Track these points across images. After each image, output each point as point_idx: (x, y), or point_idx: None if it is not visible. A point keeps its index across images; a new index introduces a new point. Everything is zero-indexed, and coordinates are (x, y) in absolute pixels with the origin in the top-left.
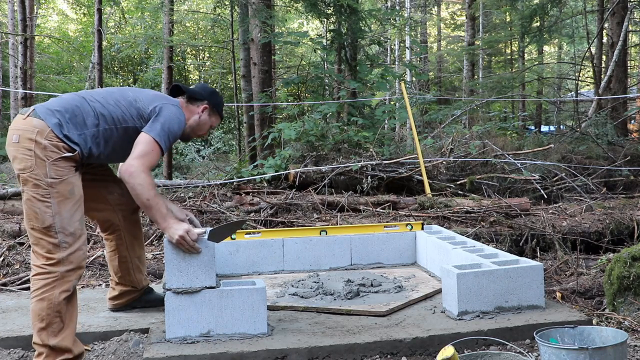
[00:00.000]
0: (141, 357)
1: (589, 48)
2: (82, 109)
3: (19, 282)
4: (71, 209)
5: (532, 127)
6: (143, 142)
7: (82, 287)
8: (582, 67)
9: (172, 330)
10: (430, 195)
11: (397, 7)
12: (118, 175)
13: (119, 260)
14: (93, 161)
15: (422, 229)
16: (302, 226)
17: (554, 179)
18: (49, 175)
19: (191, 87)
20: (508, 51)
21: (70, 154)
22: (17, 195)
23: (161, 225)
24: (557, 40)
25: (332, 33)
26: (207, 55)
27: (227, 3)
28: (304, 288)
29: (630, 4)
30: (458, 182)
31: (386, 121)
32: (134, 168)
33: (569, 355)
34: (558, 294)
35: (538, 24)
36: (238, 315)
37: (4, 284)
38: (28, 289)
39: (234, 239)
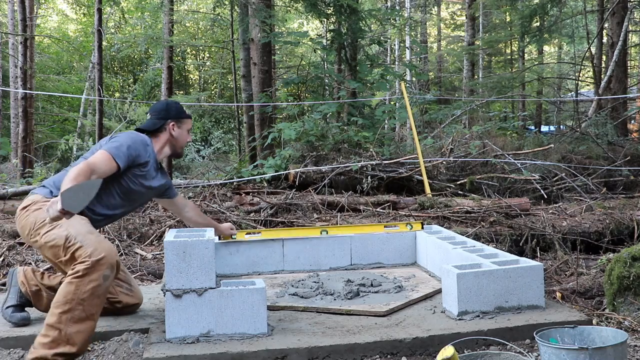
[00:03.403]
0: (141, 357)
1: (589, 48)
2: None
3: None
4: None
5: (532, 127)
6: (94, 154)
7: None
8: (582, 67)
9: (172, 330)
10: (430, 195)
11: (397, 7)
12: None
13: None
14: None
15: (422, 229)
16: (302, 226)
17: (554, 179)
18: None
19: (148, 115)
20: (508, 51)
21: None
22: (17, 195)
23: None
24: (557, 40)
25: (332, 33)
26: (207, 55)
27: (226, 3)
28: (304, 288)
29: (630, 4)
30: (458, 182)
31: (386, 121)
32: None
33: (569, 355)
34: (558, 294)
35: (538, 23)
36: (238, 315)
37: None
38: None
39: (234, 238)
